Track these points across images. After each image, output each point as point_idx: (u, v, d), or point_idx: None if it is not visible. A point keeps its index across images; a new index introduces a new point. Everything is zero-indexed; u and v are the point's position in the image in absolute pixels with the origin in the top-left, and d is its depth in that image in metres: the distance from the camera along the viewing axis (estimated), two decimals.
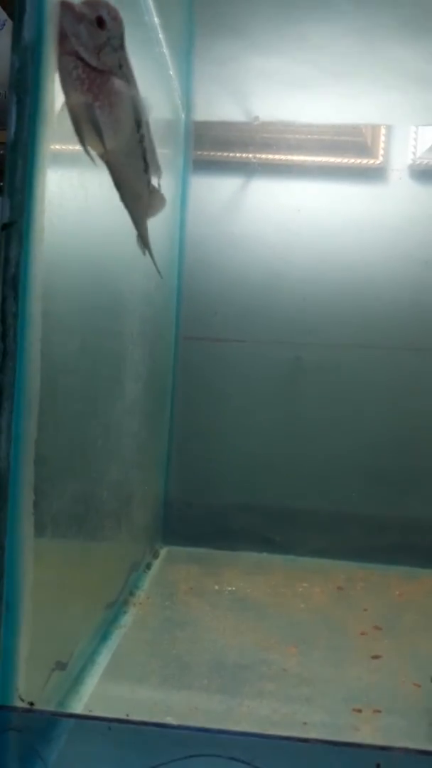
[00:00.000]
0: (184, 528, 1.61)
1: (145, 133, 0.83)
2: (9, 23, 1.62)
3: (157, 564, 1.49)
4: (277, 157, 1.62)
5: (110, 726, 0.72)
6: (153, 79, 1.29)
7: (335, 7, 1.49)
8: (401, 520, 1.56)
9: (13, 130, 0.68)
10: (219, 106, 1.61)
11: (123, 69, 0.76)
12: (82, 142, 0.75)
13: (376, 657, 1.09)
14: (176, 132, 1.57)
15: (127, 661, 1.05)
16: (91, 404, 1.01)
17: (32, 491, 0.74)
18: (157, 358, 1.45)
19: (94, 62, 0.72)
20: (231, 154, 1.63)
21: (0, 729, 0.72)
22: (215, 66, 1.58)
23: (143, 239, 0.94)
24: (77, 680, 0.96)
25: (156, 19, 1.24)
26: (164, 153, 0.97)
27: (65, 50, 0.71)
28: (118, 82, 0.75)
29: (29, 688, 0.76)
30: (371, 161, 1.60)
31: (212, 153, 1.64)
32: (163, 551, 1.58)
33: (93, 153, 0.78)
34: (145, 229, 0.93)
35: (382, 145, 1.60)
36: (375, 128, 1.60)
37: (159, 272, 1.10)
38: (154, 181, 0.90)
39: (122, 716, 0.80)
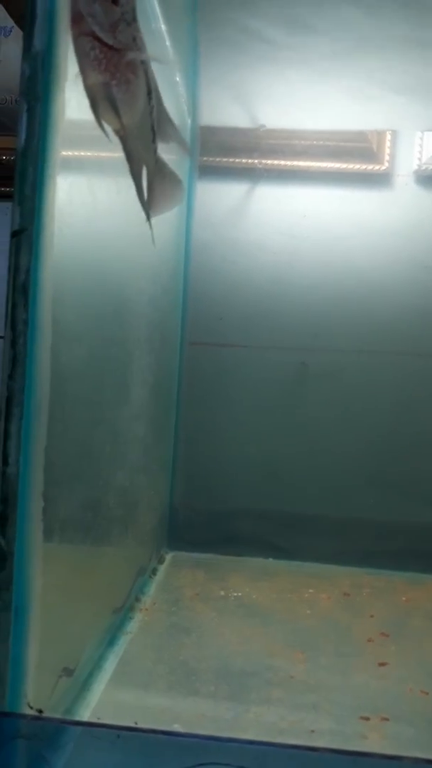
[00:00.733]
0: (190, 533, 1.60)
1: (155, 103, 0.83)
2: (15, 30, 1.63)
3: (162, 569, 1.49)
4: (282, 162, 1.63)
5: (119, 734, 0.72)
6: (159, 85, 1.29)
7: (341, 13, 1.49)
8: (407, 525, 1.56)
9: (23, 137, 0.68)
10: (225, 112, 1.61)
11: (137, 41, 0.75)
12: (98, 119, 0.74)
13: (383, 664, 1.08)
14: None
15: (133, 667, 1.05)
16: (99, 410, 1.01)
17: (42, 498, 0.74)
18: (163, 363, 1.46)
19: (110, 41, 0.71)
20: (237, 160, 1.64)
21: (9, 737, 0.72)
22: (221, 72, 1.58)
23: (144, 208, 0.93)
24: (84, 686, 0.96)
25: (163, 26, 1.24)
26: (170, 159, 0.97)
27: (81, 31, 0.70)
28: (133, 57, 0.74)
29: (37, 695, 0.76)
30: (377, 167, 1.60)
31: (218, 159, 1.64)
32: (169, 556, 1.58)
33: (107, 128, 0.78)
34: (146, 200, 0.92)
35: (387, 150, 1.60)
36: (380, 134, 1.60)
37: (153, 240, 1.06)
38: (172, 153, 0.90)
39: (131, 724, 0.80)
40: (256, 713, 0.92)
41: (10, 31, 1.62)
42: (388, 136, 1.60)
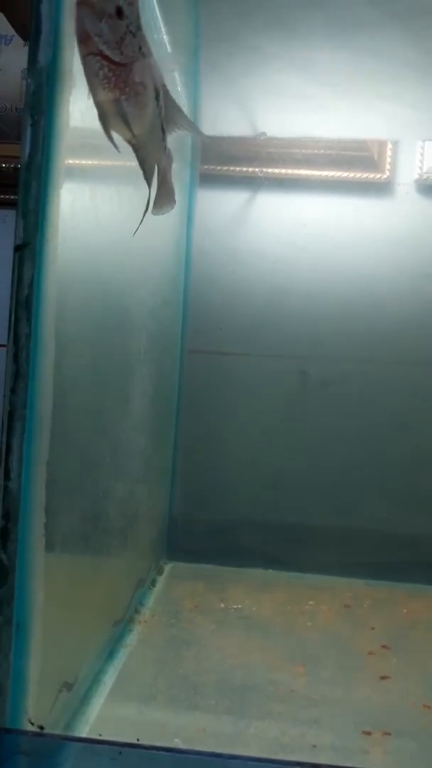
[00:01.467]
0: (189, 544, 1.59)
1: (163, 104, 0.82)
2: (16, 39, 1.63)
3: (161, 581, 1.48)
4: (283, 171, 1.62)
5: (121, 751, 0.71)
6: None
7: (341, 23, 1.50)
8: (408, 536, 1.55)
9: (27, 151, 0.68)
10: (226, 121, 1.61)
11: (143, 50, 0.74)
12: (108, 132, 0.74)
13: (384, 677, 1.08)
14: (183, 146, 1.57)
15: (133, 680, 1.04)
16: (100, 422, 1.01)
17: (44, 512, 0.74)
18: (163, 372, 1.45)
19: (117, 58, 0.70)
20: (237, 169, 1.64)
21: (9, 753, 0.72)
22: (222, 81, 1.58)
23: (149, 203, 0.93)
24: (84, 701, 0.95)
25: (165, 37, 1.24)
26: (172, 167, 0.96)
27: (89, 51, 0.69)
28: (140, 68, 0.73)
29: (38, 710, 0.76)
30: (378, 176, 1.60)
31: (219, 167, 1.64)
32: (168, 567, 1.57)
33: (117, 139, 0.77)
34: (156, 196, 0.92)
35: (388, 159, 1.60)
36: (381, 143, 1.60)
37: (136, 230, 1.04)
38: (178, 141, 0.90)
39: (132, 740, 0.79)
40: (257, 728, 0.92)
41: (11, 39, 1.62)
42: (389, 145, 1.60)
